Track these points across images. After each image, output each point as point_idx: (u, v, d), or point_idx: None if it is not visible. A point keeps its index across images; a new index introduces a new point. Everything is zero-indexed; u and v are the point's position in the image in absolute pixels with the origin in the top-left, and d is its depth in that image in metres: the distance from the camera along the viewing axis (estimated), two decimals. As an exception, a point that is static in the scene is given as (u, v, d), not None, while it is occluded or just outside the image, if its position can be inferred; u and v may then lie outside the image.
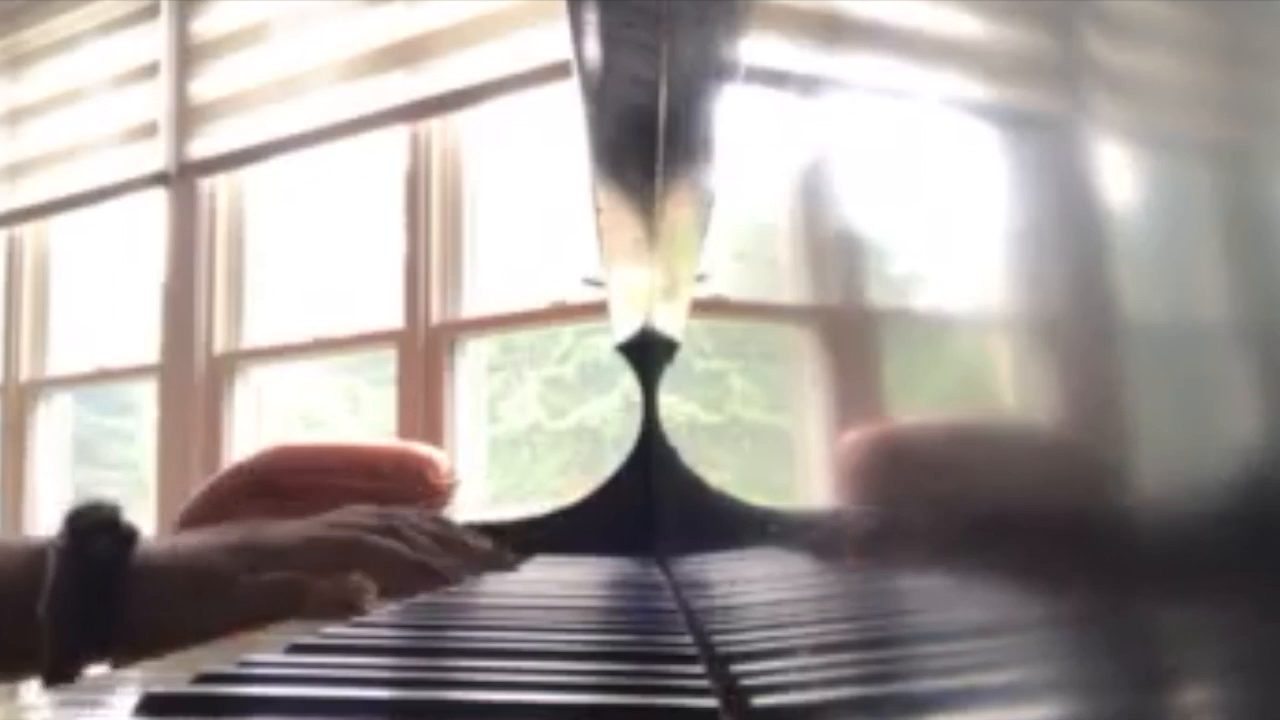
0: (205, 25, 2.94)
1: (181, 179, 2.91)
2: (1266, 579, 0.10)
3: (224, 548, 0.63)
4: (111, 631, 0.57)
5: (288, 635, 0.49)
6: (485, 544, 0.82)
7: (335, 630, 0.51)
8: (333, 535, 0.65)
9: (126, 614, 0.58)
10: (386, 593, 0.66)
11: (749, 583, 0.61)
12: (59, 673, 0.55)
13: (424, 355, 2.54)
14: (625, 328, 1.22)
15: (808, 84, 0.39)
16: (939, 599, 0.23)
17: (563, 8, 0.58)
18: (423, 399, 2.51)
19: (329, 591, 0.60)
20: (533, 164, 2.60)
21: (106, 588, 0.57)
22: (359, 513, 0.71)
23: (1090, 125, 0.15)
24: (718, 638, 0.45)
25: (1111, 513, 0.14)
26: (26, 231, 3.34)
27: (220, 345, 2.87)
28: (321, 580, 0.60)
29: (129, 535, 0.59)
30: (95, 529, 0.59)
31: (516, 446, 2.72)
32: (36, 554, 0.58)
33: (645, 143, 0.71)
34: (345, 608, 0.59)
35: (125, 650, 0.58)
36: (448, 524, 0.81)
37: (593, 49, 0.62)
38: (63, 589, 0.56)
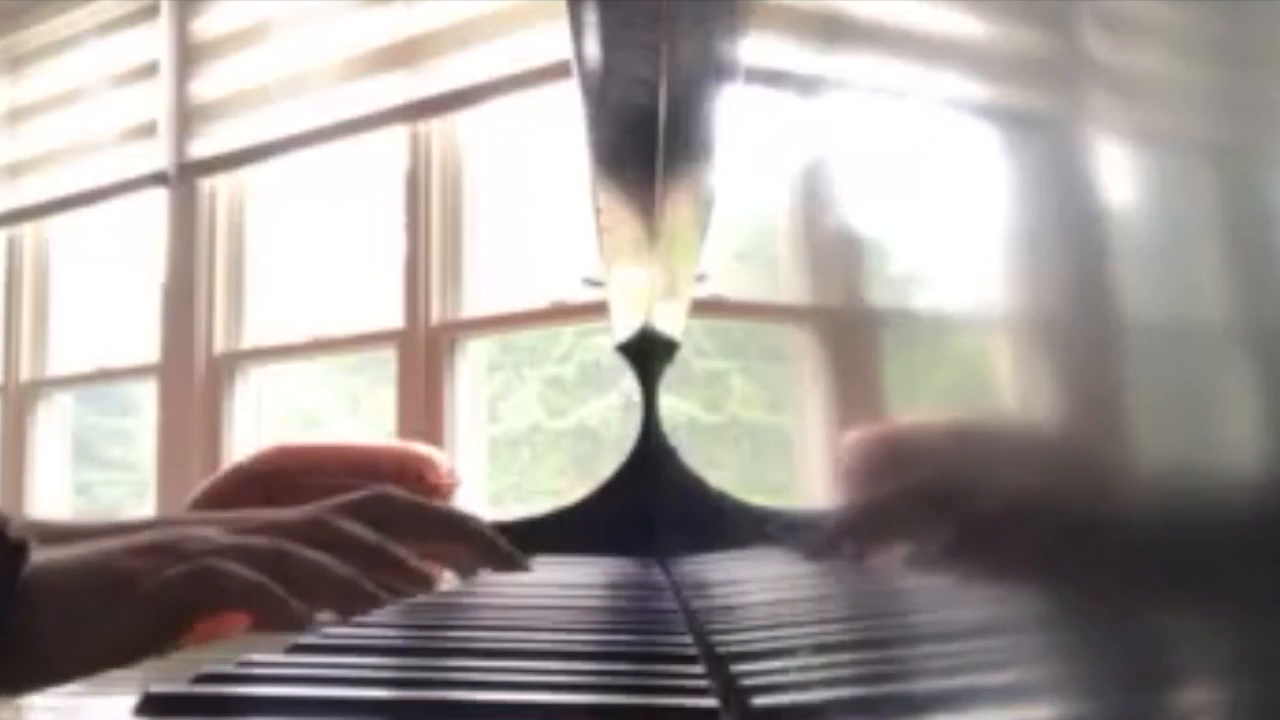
0: (205, 25, 2.94)
1: (181, 179, 2.91)
2: (1267, 579, 0.10)
3: (129, 551, 0.56)
4: (10, 653, 0.51)
5: (287, 636, 0.49)
6: (491, 543, 0.77)
7: (335, 630, 0.51)
8: (254, 543, 0.59)
9: (22, 632, 0.52)
10: (315, 604, 0.59)
11: (749, 583, 0.61)
12: None
13: (424, 355, 2.54)
14: (625, 328, 1.22)
15: (808, 84, 0.39)
16: (939, 599, 0.23)
17: (563, 8, 0.58)
18: (423, 399, 2.51)
19: (248, 580, 0.55)
20: (533, 164, 2.60)
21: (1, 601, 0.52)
22: (294, 522, 0.64)
23: (1090, 125, 0.15)
24: (718, 638, 0.45)
25: (1111, 513, 0.14)
26: (26, 231, 3.34)
27: (220, 345, 2.87)
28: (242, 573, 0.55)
29: (18, 547, 0.53)
30: None
31: (516, 446, 2.72)
32: None
33: (645, 143, 0.71)
34: (276, 608, 0.54)
35: (28, 672, 0.51)
36: (443, 518, 0.77)
37: (593, 49, 0.62)
38: None
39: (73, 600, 0.54)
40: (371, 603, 0.60)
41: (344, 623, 0.54)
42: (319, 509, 0.69)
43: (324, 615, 0.58)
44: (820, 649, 0.35)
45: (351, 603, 0.59)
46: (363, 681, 0.38)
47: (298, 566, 0.58)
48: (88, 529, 0.67)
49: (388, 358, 2.62)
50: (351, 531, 0.65)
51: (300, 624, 0.54)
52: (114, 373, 3.16)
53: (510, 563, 0.78)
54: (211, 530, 0.61)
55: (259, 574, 0.55)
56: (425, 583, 0.68)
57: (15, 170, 3.31)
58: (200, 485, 2.21)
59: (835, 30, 0.33)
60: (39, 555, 0.55)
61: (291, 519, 0.66)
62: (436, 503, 0.75)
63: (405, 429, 2.50)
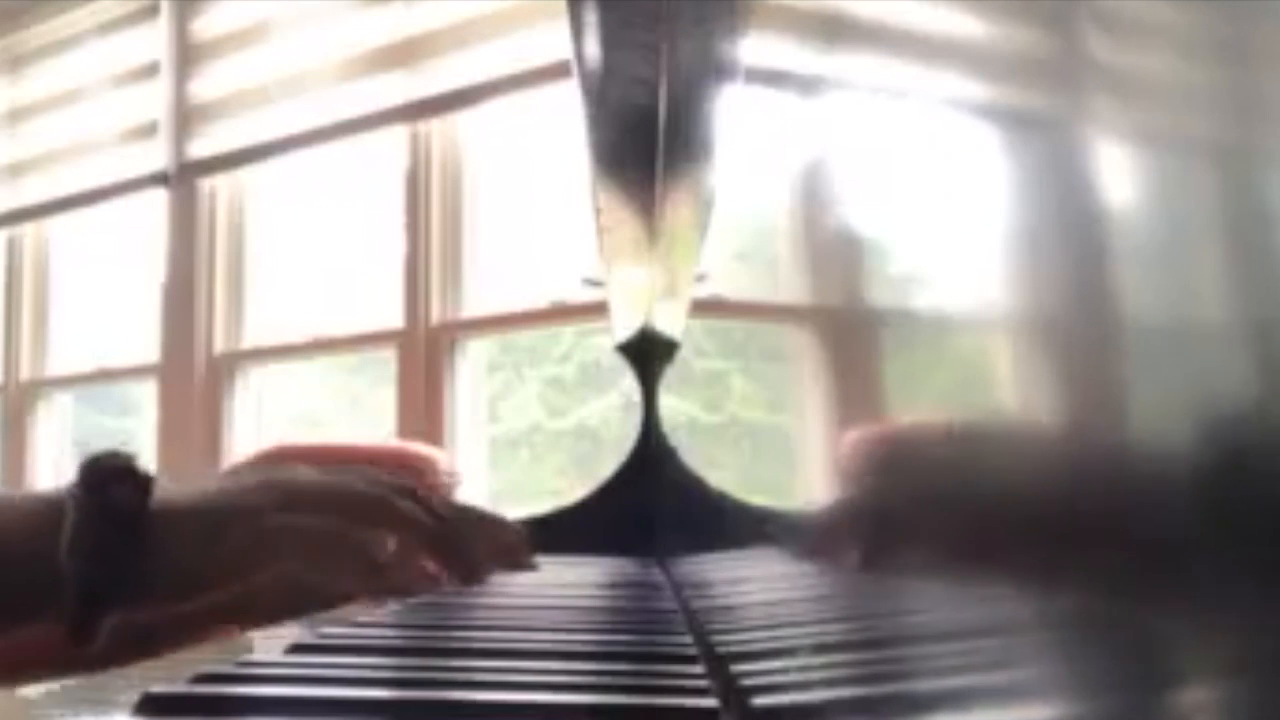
0: (205, 25, 2.94)
1: (181, 179, 2.91)
2: (1266, 578, 0.10)
3: (248, 487, 0.62)
4: (137, 576, 0.56)
5: (288, 636, 0.49)
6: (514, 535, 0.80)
7: (335, 630, 0.51)
8: (359, 488, 0.64)
9: (152, 557, 0.56)
10: (403, 563, 0.65)
11: (749, 583, 0.61)
12: (84, 622, 0.54)
13: (424, 355, 2.54)
14: (625, 328, 1.22)
15: (808, 84, 0.39)
16: (939, 599, 0.23)
17: (563, 8, 0.58)
18: (423, 399, 2.51)
19: (357, 545, 0.60)
20: (533, 164, 2.60)
21: (128, 533, 0.56)
22: (381, 480, 0.70)
23: (1090, 125, 0.15)
24: (718, 638, 0.45)
25: (1111, 513, 0.14)
26: (26, 231, 3.34)
27: (220, 345, 2.87)
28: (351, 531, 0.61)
29: (146, 480, 0.58)
30: (112, 475, 0.57)
31: (516, 446, 2.72)
32: (54, 504, 0.57)
33: (645, 143, 0.71)
34: (370, 568, 0.60)
35: (154, 595, 0.57)
36: (469, 511, 0.80)
37: (593, 49, 0.62)
38: (84, 537, 0.55)
39: (196, 527, 0.59)
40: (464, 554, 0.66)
41: (344, 622, 0.54)
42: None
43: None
44: (820, 649, 0.35)
45: (463, 556, 0.66)
46: (363, 681, 0.38)
47: (395, 515, 0.64)
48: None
49: (388, 358, 2.62)
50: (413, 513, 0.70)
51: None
52: (114, 373, 3.16)
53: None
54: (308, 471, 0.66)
55: (375, 562, 0.61)
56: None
57: (15, 170, 3.31)
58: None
59: (835, 30, 0.33)
60: (163, 489, 0.59)
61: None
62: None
63: (405, 429, 2.50)
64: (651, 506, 1.15)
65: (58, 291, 3.35)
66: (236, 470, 0.65)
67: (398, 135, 2.61)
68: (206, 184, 2.91)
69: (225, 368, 2.86)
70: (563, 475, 2.65)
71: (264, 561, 0.59)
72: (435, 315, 2.54)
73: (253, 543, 0.59)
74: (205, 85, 2.91)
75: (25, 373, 3.29)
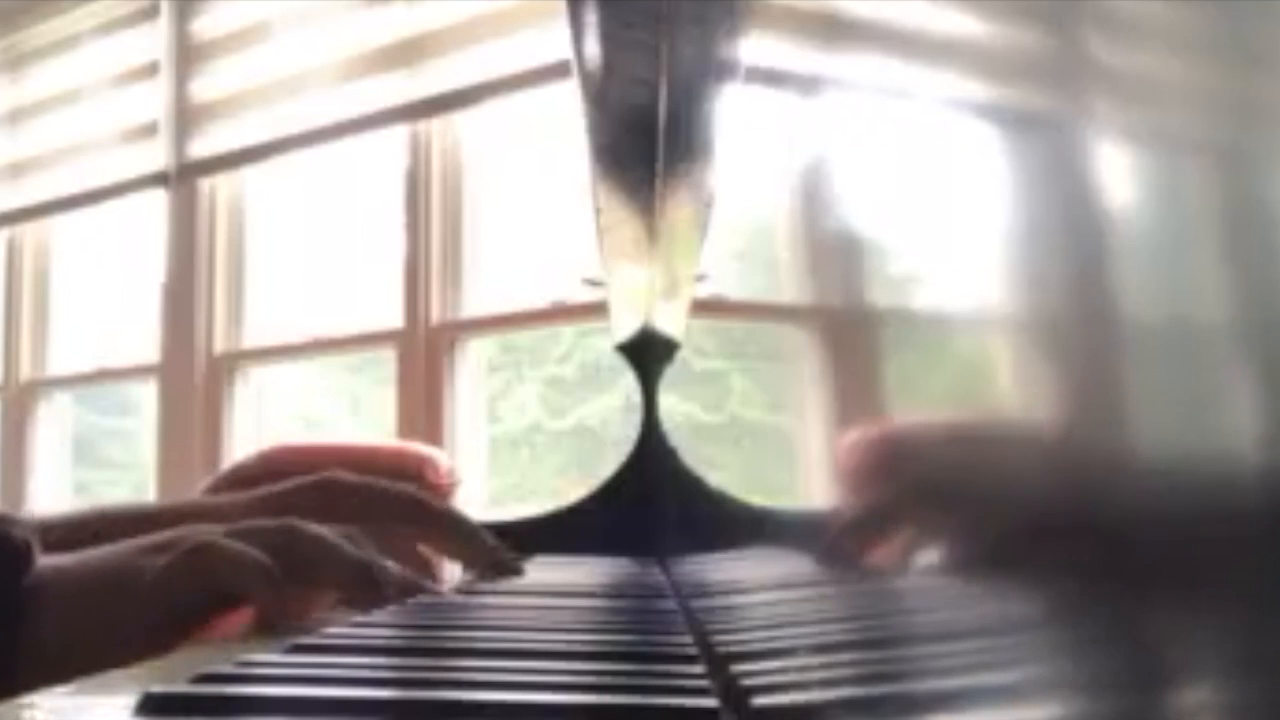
0: (205, 25, 2.94)
1: (181, 179, 2.91)
2: (1267, 579, 0.10)
3: (136, 550, 0.56)
4: (17, 650, 0.52)
5: (287, 637, 0.49)
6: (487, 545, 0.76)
7: (335, 630, 0.51)
8: (262, 525, 0.59)
9: (28, 636, 0.52)
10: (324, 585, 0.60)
11: (749, 583, 0.61)
12: None
13: (424, 355, 2.54)
14: (625, 328, 1.22)
15: (808, 84, 0.39)
16: (939, 599, 0.23)
17: (563, 8, 0.58)
18: (423, 399, 2.51)
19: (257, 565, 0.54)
20: (533, 164, 2.60)
21: (4, 616, 0.52)
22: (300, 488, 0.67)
23: (1090, 125, 0.15)
24: (718, 638, 0.45)
25: (1111, 512, 0.14)
26: (26, 231, 3.34)
27: (220, 345, 2.87)
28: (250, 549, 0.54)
29: (22, 554, 0.53)
30: None
31: (516, 446, 2.72)
32: None
33: (645, 143, 0.71)
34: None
35: (35, 676, 0.53)
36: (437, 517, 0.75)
37: (593, 49, 0.62)
38: None
39: (77, 602, 0.53)
40: (380, 586, 0.59)
41: (344, 622, 0.54)
42: (273, 494, 0.68)
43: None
44: (820, 649, 0.35)
45: (360, 585, 0.58)
46: (363, 681, 0.38)
47: (306, 544, 0.57)
48: (99, 517, 0.66)
49: (388, 358, 2.62)
50: (362, 485, 0.68)
51: (296, 616, 0.54)
52: (114, 373, 3.16)
53: (481, 550, 0.75)
54: (221, 522, 0.60)
55: (261, 554, 0.54)
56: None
57: (15, 170, 3.31)
58: (200, 485, 2.20)
59: (835, 30, 0.33)
60: (45, 559, 0.54)
61: (298, 486, 0.68)
62: (398, 486, 0.74)
63: (405, 429, 2.50)
64: (651, 506, 1.15)
65: (58, 291, 3.35)
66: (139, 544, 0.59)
67: (398, 135, 2.61)
68: (206, 184, 2.91)
69: (225, 368, 2.86)
70: (563, 475, 2.66)
71: (159, 619, 0.53)
72: (435, 315, 2.54)
73: (141, 602, 0.53)
74: (205, 85, 2.91)
75: (25, 373, 3.30)
